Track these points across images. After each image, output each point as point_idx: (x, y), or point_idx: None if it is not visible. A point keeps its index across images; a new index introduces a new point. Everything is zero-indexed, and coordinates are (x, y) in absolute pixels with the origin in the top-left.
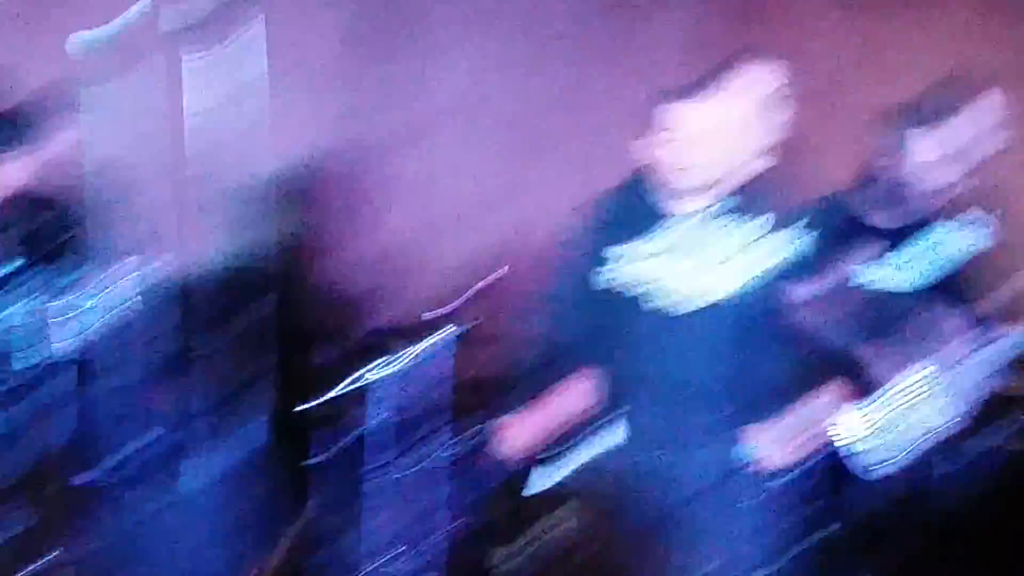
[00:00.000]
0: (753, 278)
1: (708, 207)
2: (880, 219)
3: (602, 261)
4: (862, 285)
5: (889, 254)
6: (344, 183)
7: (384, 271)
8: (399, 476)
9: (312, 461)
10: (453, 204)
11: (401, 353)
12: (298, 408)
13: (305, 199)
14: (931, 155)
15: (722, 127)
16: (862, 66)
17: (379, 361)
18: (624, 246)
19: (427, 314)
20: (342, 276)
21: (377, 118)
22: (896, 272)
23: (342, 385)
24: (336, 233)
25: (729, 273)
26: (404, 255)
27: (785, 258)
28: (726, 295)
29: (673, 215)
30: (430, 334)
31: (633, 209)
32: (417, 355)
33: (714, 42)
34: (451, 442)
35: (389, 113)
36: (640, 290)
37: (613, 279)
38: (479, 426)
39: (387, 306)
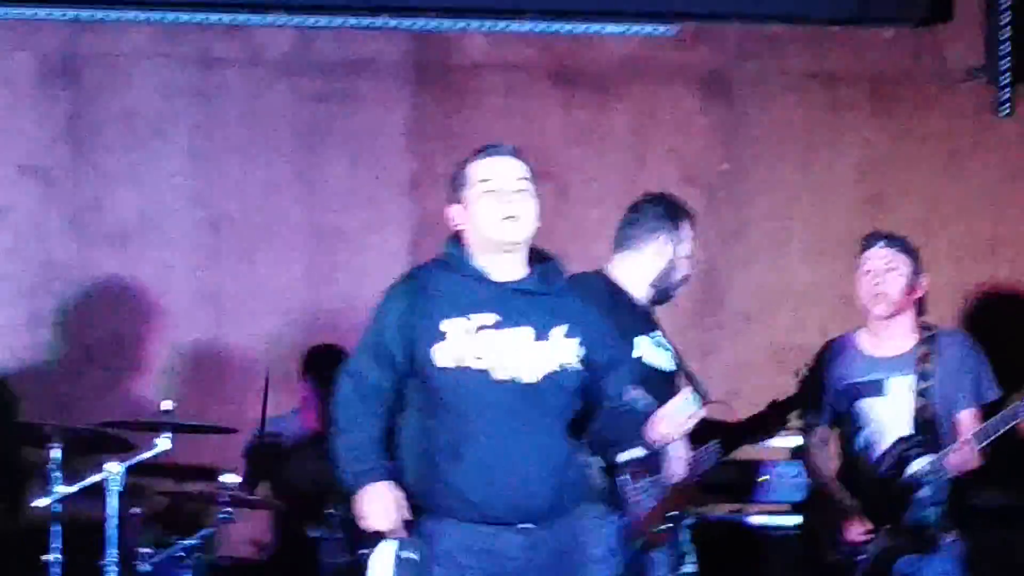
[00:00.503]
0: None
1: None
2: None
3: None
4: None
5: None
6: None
7: (97, 368)
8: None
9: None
10: (169, 301)
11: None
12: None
13: None
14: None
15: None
16: (588, 154)
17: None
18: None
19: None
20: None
21: (88, 217)
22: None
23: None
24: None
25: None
26: (120, 353)
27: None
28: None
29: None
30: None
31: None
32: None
33: (433, 131)
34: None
35: (100, 213)
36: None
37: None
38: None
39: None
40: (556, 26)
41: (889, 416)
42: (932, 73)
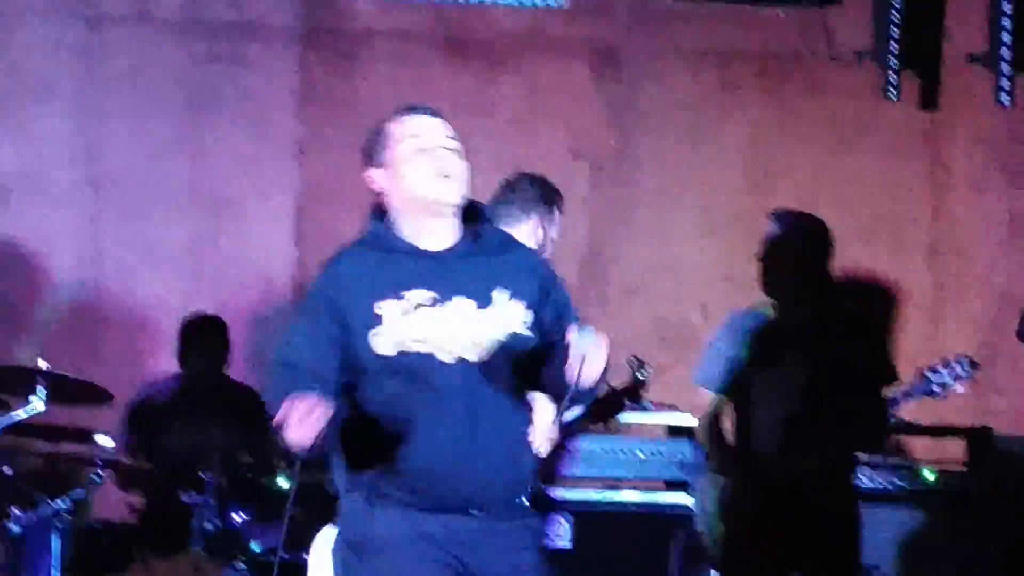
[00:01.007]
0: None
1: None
2: None
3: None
4: None
5: None
6: None
7: None
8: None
9: None
10: (49, 261)
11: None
12: None
13: None
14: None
15: None
16: (476, 125)
17: None
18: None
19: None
20: None
21: None
22: None
23: None
24: None
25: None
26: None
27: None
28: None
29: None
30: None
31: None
32: None
33: (321, 96)
34: None
35: None
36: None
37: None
38: None
39: None
40: None
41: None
42: (821, 54)
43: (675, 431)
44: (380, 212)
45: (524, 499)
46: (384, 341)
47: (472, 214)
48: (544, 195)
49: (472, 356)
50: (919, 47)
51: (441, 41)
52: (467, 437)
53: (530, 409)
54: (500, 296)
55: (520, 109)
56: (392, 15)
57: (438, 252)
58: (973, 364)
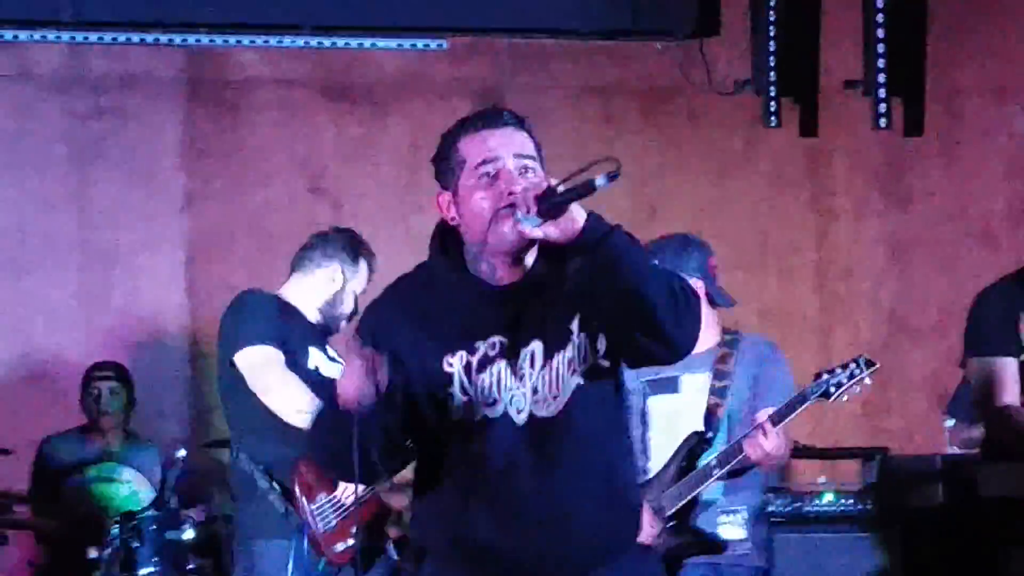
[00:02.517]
0: None
1: None
2: None
3: None
4: None
5: None
6: None
7: None
8: None
9: None
10: None
11: None
12: None
13: None
14: None
15: None
16: (362, 170)
17: None
18: None
19: None
20: None
21: None
22: None
23: None
24: None
25: None
26: None
27: None
28: None
29: None
30: None
31: None
32: None
33: (207, 147)
34: None
35: None
36: None
37: None
38: None
39: None
40: (329, 41)
41: (681, 413)
42: (701, 85)
43: None
44: (446, 235)
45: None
46: (452, 404)
47: None
48: (349, 247)
49: (542, 412)
50: (797, 75)
51: (324, 87)
52: (545, 509)
53: (626, 445)
54: (574, 327)
55: (405, 152)
56: (274, 63)
57: (508, 286)
58: (869, 363)
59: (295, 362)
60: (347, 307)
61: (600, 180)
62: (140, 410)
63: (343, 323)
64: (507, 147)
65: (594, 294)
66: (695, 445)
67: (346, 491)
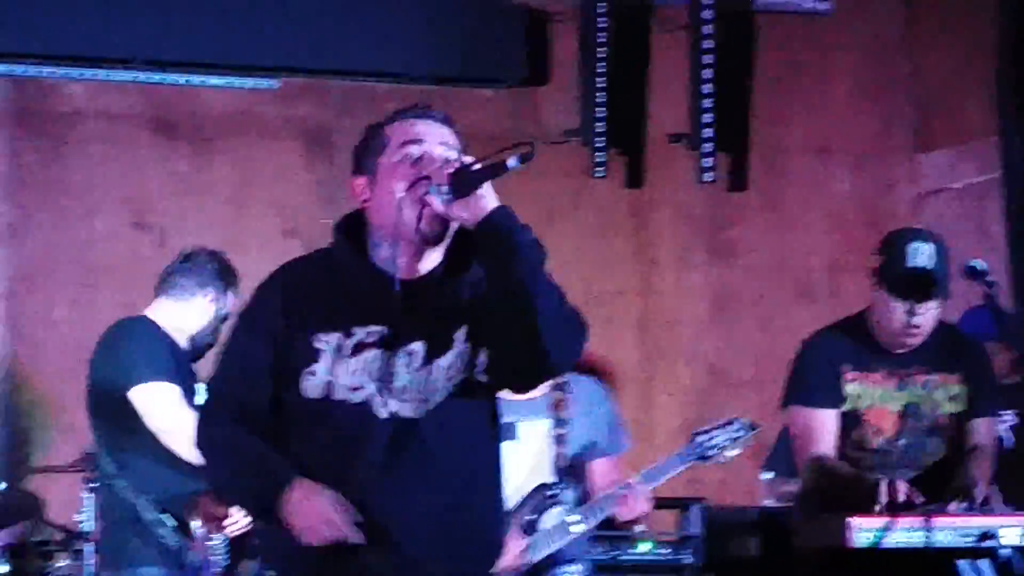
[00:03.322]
0: None
1: None
2: None
3: None
4: None
5: None
6: None
7: None
8: None
9: None
10: None
11: None
12: None
13: None
14: None
15: None
16: (188, 205)
17: None
18: None
19: None
20: None
21: None
22: None
23: None
24: None
25: None
26: None
27: None
28: None
29: None
30: None
31: None
32: None
33: (31, 178)
34: None
35: None
36: None
37: None
38: None
39: None
40: (158, 76)
41: (522, 463)
42: (529, 134)
43: None
44: (352, 221)
45: None
46: (313, 383)
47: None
48: (222, 274)
49: (408, 413)
50: (624, 126)
51: (152, 122)
52: (396, 511)
53: (493, 472)
54: (459, 336)
55: (232, 189)
56: (102, 97)
57: (405, 280)
58: (752, 426)
59: (186, 395)
60: (218, 336)
61: (512, 161)
62: None
63: (207, 352)
64: (434, 136)
65: (487, 300)
66: (544, 499)
67: (235, 525)
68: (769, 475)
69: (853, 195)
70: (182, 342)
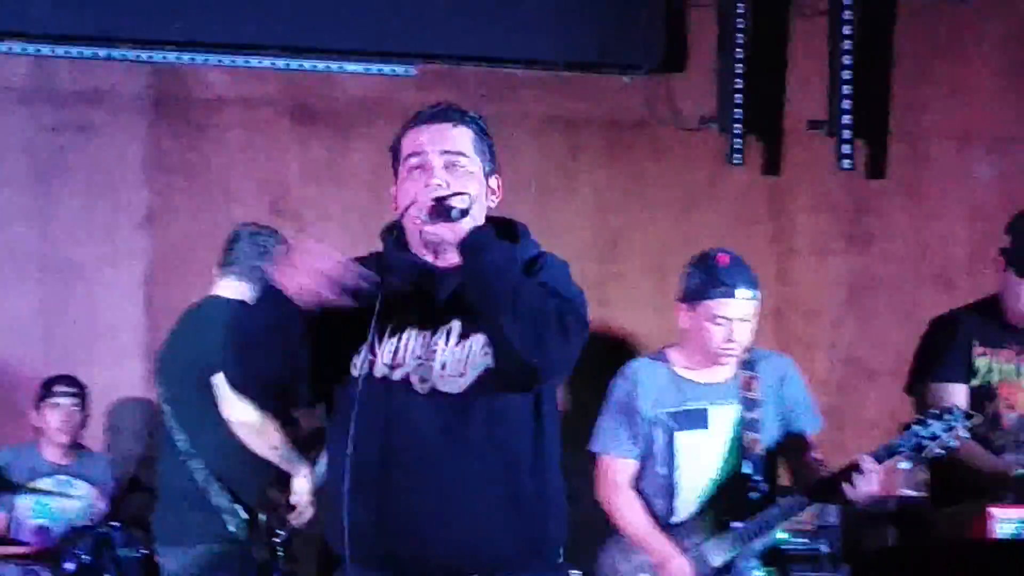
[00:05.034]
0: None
1: None
2: None
3: None
4: None
5: None
6: None
7: None
8: None
9: None
10: None
11: None
12: None
13: None
14: None
15: None
16: (326, 192)
17: None
18: None
19: None
20: None
21: None
22: None
23: None
24: None
25: None
26: None
27: None
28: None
29: None
30: None
31: None
32: None
33: (171, 164)
34: None
35: None
36: None
37: None
38: None
39: None
40: (297, 63)
41: (712, 450)
42: (666, 121)
43: None
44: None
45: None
46: (359, 361)
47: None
48: (280, 245)
49: (451, 387)
50: (761, 113)
51: (290, 108)
52: (434, 490)
53: (539, 452)
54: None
55: (369, 176)
56: (240, 83)
57: (442, 268)
58: (968, 415)
59: None
60: None
61: (455, 212)
62: (93, 424)
63: None
64: (437, 143)
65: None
66: (741, 489)
67: (298, 515)
68: (906, 464)
69: (995, 182)
70: None
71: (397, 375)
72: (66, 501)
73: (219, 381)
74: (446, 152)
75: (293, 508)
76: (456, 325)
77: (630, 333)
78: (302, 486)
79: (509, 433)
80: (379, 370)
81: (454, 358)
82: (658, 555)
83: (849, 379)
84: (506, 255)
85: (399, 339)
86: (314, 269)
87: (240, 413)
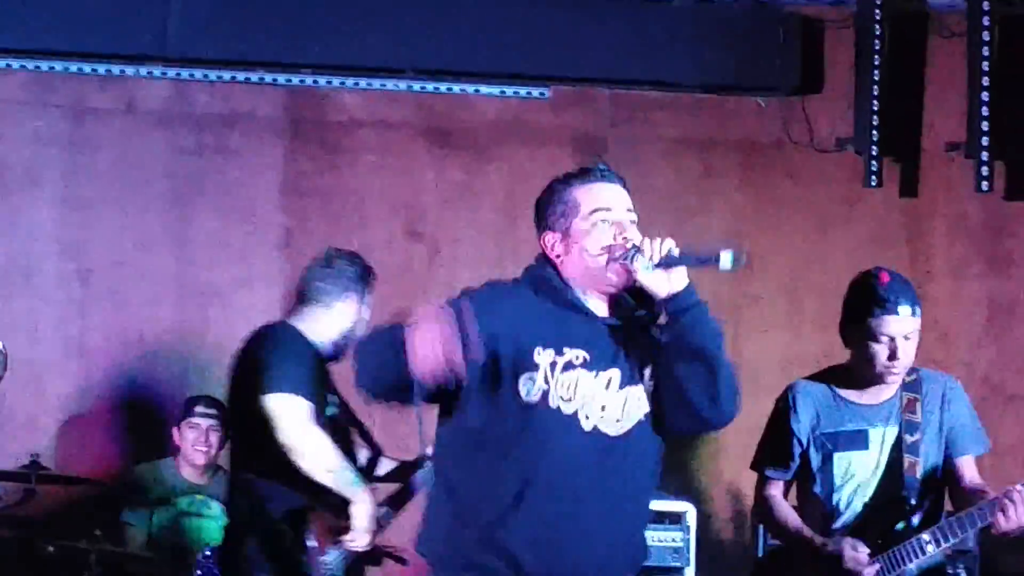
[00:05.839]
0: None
1: None
2: None
3: None
4: None
5: None
6: None
7: None
8: None
9: None
10: (36, 352)
11: None
12: None
13: None
14: None
15: None
16: (460, 215)
17: None
18: None
19: None
20: None
21: None
22: None
23: None
24: None
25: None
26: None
27: None
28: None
29: None
30: None
31: None
32: None
33: (306, 187)
34: None
35: None
36: None
37: None
38: None
39: None
40: (431, 85)
41: (871, 472)
42: (802, 143)
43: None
44: (546, 263)
45: None
46: (533, 389)
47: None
48: (362, 274)
49: (609, 430)
50: (899, 135)
51: (425, 131)
52: (584, 515)
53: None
54: (648, 373)
55: (503, 198)
56: (376, 106)
57: (602, 317)
58: None
59: (318, 411)
60: (359, 335)
61: (726, 263)
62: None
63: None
64: (619, 202)
65: (666, 358)
66: (897, 512)
67: (354, 540)
68: None
69: None
70: (325, 348)
71: (568, 409)
72: (201, 521)
73: (269, 402)
74: (629, 211)
75: (346, 531)
76: (616, 374)
77: (764, 355)
78: (361, 512)
79: (644, 470)
80: (554, 400)
81: (613, 403)
82: (823, 543)
83: (986, 402)
84: (709, 312)
85: (571, 375)
86: (431, 356)
87: (292, 436)
